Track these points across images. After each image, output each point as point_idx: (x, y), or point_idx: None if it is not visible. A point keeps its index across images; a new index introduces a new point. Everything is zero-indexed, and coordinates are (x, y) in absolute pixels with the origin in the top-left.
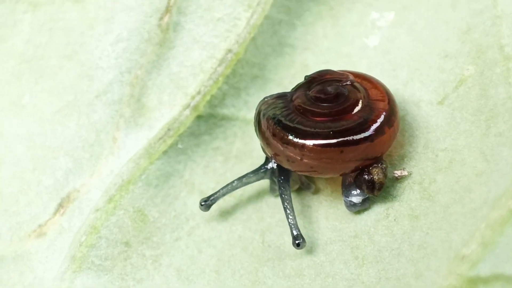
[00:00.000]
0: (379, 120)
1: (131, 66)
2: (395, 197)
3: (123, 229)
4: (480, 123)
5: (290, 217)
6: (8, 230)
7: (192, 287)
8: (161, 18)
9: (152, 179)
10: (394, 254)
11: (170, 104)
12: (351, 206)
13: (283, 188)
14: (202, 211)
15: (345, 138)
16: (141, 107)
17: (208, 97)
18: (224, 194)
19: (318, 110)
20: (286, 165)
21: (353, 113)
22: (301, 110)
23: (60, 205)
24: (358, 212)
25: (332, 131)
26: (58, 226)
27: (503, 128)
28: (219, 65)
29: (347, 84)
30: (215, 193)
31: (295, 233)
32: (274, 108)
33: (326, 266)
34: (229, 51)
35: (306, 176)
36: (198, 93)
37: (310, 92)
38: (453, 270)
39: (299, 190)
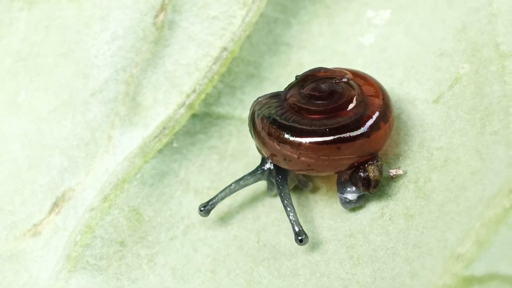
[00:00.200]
0: (375, 116)
1: (127, 64)
2: (390, 196)
3: (118, 228)
4: (475, 122)
5: (291, 214)
6: (3, 229)
7: (188, 287)
8: (156, 16)
9: (147, 178)
10: (389, 253)
11: (165, 103)
12: (346, 203)
13: (282, 187)
14: (202, 217)
15: (342, 135)
16: (136, 106)
17: (203, 96)
18: (222, 198)
19: (313, 108)
20: (283, 165)
21: (348, 109)
22: (296, 109)
23: (55, 204)
24: (354, 211)
25: (328, 128)
26: (53, 225)
27: (498, 126)
28: (214, 63)
29: (341, 81)
30: (214, 197)
31: (297, 229)
32: (268, 107)
33: (321, 265)
34: (225, 49)
35: (303, 175)
36: (193, 91)
37: (304, 90)
38: (448, 269)
39: (295, 189)
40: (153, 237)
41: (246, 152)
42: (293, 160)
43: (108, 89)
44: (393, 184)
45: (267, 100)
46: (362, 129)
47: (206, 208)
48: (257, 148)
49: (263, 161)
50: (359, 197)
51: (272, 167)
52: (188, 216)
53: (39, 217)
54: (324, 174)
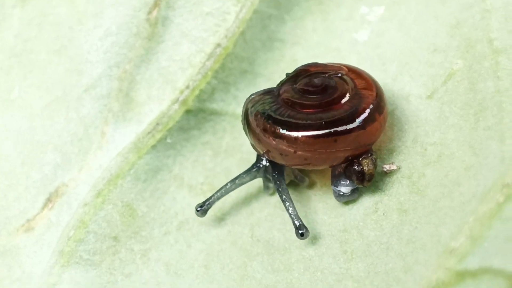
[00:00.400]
0: (370, 108)
1: (120, 61)
2: (384, 191)
3: (111, 223)
4: (468, 117)
5: (290, 208)
6: None
7: (181, 282)
8: (149, 12)
9: (140, 173)
10: (383, 248)
11: (159, 99)
12: (339, 196)
13: (279, 182)
14: (199, 217)
15: (338, 128)
16: (130, 102)
17: (197, 92)
18: (218, 198)
19: (308, 102)
20: (279, 160)
21: (342, 102)
22: (290, 103)
23: (49, 200)
24: (348, 206)
25: (324, 121)
26: (46, 221)
27: (492, 121)
28: (208, 59)
29: (335, 76)
30: (210, 198)
31: (297, 223)
32: (262, 104)
33: (315, 260)
34: (218, 45)
35: (299, 170)
36: (187, 87)
37: (297, 85)
38: (442, 263)
39: (289, 185)
40: (146, 233)
41: (240, 148)
42: (290, 155)
43: (101, 85)
44: (387, 179)
45: (260, 96)
46: (358, 121)
47: (202, 208)
48: (252, 145)
49: (258, 159)
50: (352, 190)
51: (267, 164)
52: (182, 211)
53: (33, 213)
54: (321, 167)
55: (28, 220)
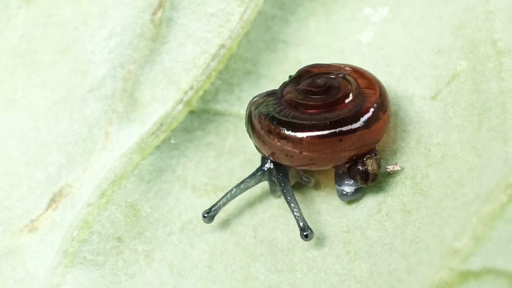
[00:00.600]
0: (374, 107)
1: (124, 61)
2: (387, 192)
3: (115, 224)
4: (472, 118)
5: (295, 209)
6: (0, 225)
7: (185, 282)
8: (154, 13)
9: (144, 174)
10: (386, 249)
11: (163, 99)
12: (343, 195)
13: (283, 184)
14: (206, 223)
15: (343, 127)
16: (134, 102)
17: (201, 92)
18: (224, 204)
19: (312, 103)
20: (284, 161)
21: (346, 102)
22: (294, 104)
23: (53, 200)
24: (351, 206)
25: (329, 121)
26: (50, 221)
27: (495, 122)
28: (212, 60)
29: (338, 76)
30: (216, 204)
31: (302, 224)
32: (266, 106)
33: (318, 261)
34: (222, 46)
35: (304, 171)
36: (191, 88)
37: (300, 86)
38: (445, 264)
39: (294, 186)
40: (150, 233)
41: (244, 149)
42: (295, 156)
43: (105, 86)
44: (390, 180)
45: (264, 99)
46: (362, 120)
47: (209, 215)
48: (257, 147)
49: (263, 162)
50: (356, 190)
51: (272, 167)
52: (185, 212)
53: (36, 213)
54: (326, 167)
55: (32, 221)
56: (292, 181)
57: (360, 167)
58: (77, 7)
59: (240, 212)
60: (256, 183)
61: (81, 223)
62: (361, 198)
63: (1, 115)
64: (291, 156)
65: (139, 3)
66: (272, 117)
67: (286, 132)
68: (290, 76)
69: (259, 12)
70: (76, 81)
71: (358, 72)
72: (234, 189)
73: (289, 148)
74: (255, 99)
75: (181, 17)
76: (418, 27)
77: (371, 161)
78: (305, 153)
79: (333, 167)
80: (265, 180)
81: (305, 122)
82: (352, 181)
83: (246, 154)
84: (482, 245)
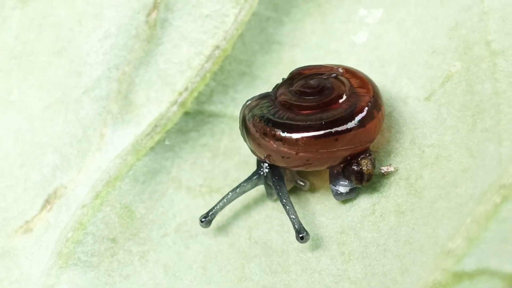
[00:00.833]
0: (368, 105)
1: (119, 62)
2: (381, 193)
3: (109, 225)
4: (466, 119)
5: (291, 212)
6: None
7: (179, 283)
8: (148, 15)
9: (139, 175)
10: (380, 250)
11: (157, 101)
12: (337, 195)
13: (279, 186)
14: (203, 228)
15: (339, 127)
16: (129, 104)
17: (195, 94)
18: (221, 208)
19: (306, 104)
20: (280, 163)
21: (340, 102)
22: (288, 106)
23: (47, 201)
24: (345, 207)
25: (324, 121)
26: (44, 222)
27: (489, 123)
28: (207, 61)
29: (330, 76)
30: (212, 208)
31: (297, 227)
32: (260, 108)
33: (312, 262)
34: (217, 47)
35: (299, 173)
36: (186, 89)
37: (293, 87)
38: (439, 265)
39: (291, 191)
40: (144, 234)
41: (238, 150)
42: (291, 157)
43: (100, 87)
44: (385, 181)
45: (257, 101)
46: (357, 119)
47: (206, 219)
48: (252, 151)
49: (259, 166)
50: (350, 190)
51: (268, 170)
52: (180, 213)
53: (31, 214)
54: (322, 168)
55: (26, 222)
56: (289, 186)
57: (355, 167)
58: (72, 8)
59: (234, 213)
60: (252, 187)
61: (76, 224)
62: (355, 199)
63: None
64: (287, 158)
65: (134, 4)
66: (267, 119)
67: (282, 134)
68: (283, 79)
69: (253, 14)
70: (71, 82)
71: (351, 72)
72: (230, 193)
73: (285, 150)
74: (248, 102)
75: (176, 18)
76: (413, 28)
77: (366, 161)
78: (301, 154)
79: (328, 168)
80: (261, 184)
81: (300, 123)
82: (347, 181)
83: (241, 156)
84: (476, 245)
